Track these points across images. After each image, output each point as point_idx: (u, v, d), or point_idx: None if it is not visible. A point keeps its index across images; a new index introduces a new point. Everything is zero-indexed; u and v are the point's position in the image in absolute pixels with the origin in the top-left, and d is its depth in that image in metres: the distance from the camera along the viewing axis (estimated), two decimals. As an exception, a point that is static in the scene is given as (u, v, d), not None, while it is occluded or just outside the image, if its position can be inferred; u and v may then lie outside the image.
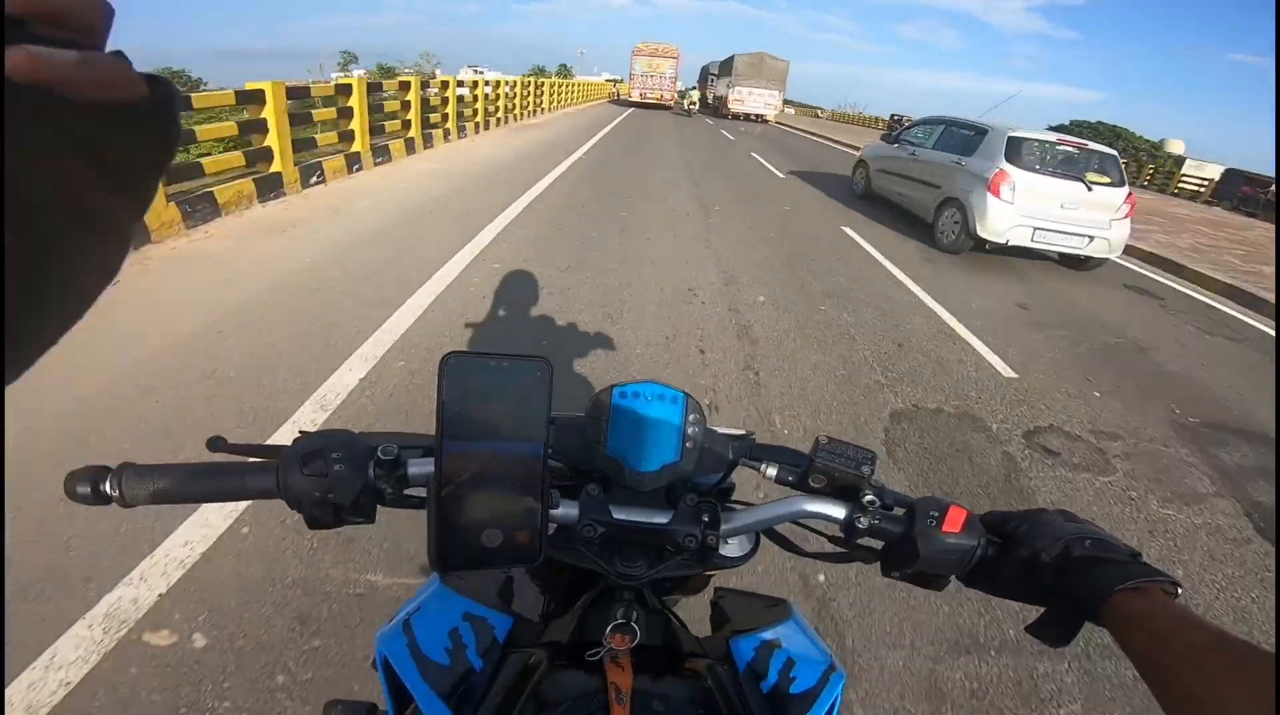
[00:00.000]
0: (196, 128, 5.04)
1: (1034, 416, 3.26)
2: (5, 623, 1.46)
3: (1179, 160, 24.60)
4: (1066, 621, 0.46)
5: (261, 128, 5.62)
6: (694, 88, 39.77)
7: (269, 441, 0.53)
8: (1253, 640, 0.40)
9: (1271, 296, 6.32)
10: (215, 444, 0.49)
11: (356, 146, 7.34)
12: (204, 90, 9.58)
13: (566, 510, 0.53)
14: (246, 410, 2.43)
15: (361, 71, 63.50)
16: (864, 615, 1.86)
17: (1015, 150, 6.23)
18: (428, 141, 9.48)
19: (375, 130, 7.87)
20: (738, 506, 0.60)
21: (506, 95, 14.29)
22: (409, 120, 8.88)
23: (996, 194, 6.11)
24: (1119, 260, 7.22)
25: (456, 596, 0.58)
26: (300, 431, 0.51)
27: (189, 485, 0.48)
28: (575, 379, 2.97)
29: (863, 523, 0.53)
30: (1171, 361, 4.42)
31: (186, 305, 3.26)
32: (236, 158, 5.27)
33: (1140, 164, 22.85)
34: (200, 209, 4.64)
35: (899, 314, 4.52)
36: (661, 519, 0.55)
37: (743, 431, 0.63)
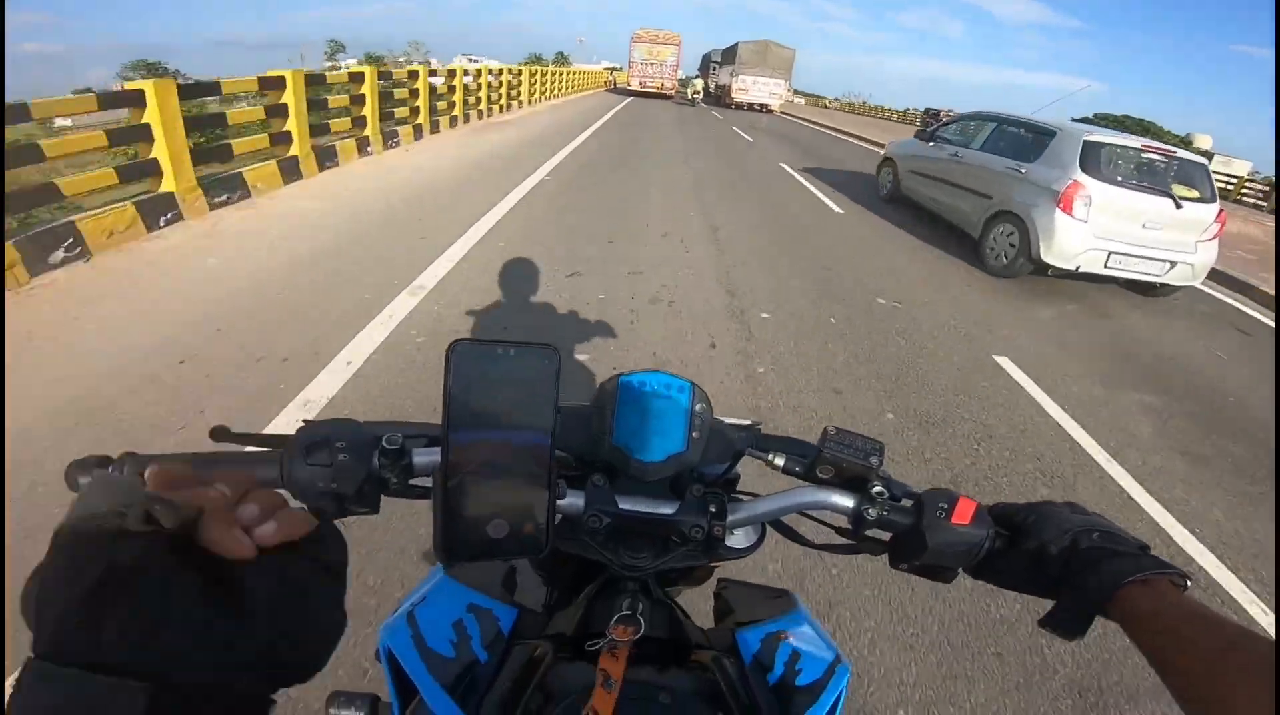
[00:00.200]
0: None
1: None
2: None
3: (1207, 157, 23.56)
4: (1076, 615, 0.44)
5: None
6: (696, 76, 38.31)
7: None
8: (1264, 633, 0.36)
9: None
10: (219, 433, 0.50)
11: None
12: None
13: (572, 500, 0.54)
14: None
15: (352, 62, 61.50)
16: None
17: (1092, 158, 5.12)
18: (330, 158, 6.75)
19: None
20: (744, 497, 0.60)
21: (490, 85, 12.93)
22: (287, 132, 6.02)
23: (1068, 211, 5.02)
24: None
25: (460, 587, 0.58)
26: (304, 421, 0.50)
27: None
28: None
29: (871, 514, 0.53)
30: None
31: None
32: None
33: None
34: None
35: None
36: (667, 509, 0.55)
37: (749, 421, 0.63)
